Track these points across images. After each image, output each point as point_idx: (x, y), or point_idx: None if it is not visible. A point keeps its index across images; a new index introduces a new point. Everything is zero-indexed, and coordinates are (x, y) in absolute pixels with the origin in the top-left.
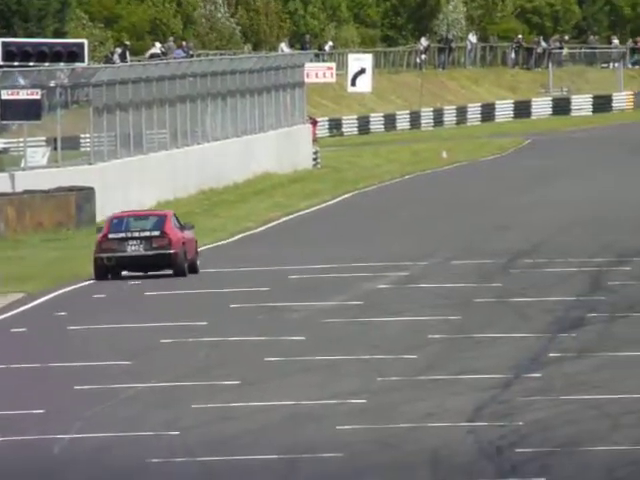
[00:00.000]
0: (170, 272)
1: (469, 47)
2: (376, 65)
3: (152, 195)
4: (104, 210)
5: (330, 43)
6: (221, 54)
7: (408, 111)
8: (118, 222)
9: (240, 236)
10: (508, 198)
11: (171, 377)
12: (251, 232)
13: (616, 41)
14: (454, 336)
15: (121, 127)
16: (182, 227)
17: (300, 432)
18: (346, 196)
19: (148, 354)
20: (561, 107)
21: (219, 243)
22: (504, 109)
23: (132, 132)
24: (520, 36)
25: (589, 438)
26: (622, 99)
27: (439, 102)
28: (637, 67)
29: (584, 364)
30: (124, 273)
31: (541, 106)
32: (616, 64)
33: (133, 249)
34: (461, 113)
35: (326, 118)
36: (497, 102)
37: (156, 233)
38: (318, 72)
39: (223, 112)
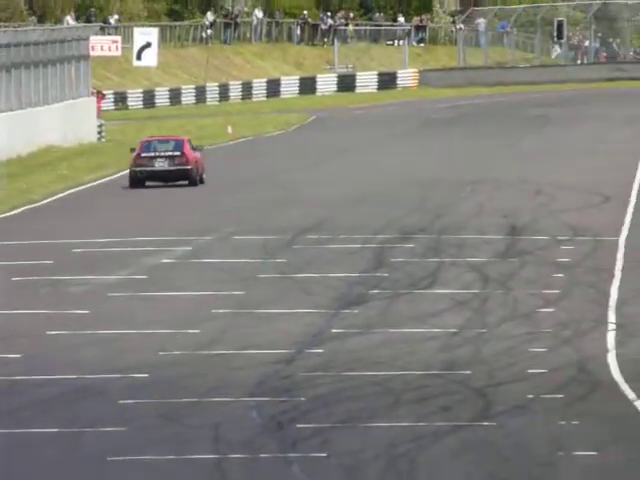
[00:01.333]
0: (186, 182)
1: (255, 22)
2: (162, 39)
3: None
4: None
5: (116, 16)
6: (5, 26)
7: (194, 86)
8: (148, 145)
9: (23, 209)
10: (292, 174)
11: None
12: (34, 205)
13: (401, 19)
14: (237, 311)
15: None
16: (194, 149)
17: (83, 406)
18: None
19: None
20: (346, 84)
21: (1, 216)
22: (289, 85)
23: None
24: (306, 12)
25: (371, 414)
26: (407, 76)
27: (225, 77)
28: (422, 45)
29: (366, 340)
30: (148, 184)
31: (326, 82)
32: (401, 42)
33: (160, 165)
34: (247, 88)
35: (111, 92)
36: (282, 78)
37: (177, 153)
38: (103, 45)
39: (7, 84)
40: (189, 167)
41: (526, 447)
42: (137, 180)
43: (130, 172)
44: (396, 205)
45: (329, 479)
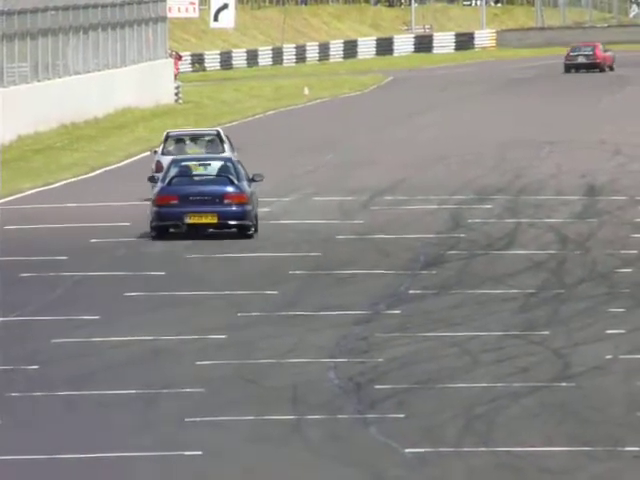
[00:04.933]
0: None
1: None
2: (239, 1)
3: (13, 129)
4: None
5: None
6: None
7: (270, 47)
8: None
9: (100, 171)
10: (369, 135)
11: (30, 311)
12: (112, 167)
13: None
14: (315, 272)
15: None
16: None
17: (160, 367)
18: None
19: (7, 288)
20: (423, 45)
21: (80, 177)
22: (366, 46)
23: None
24: None
25: (448, 375)
26: (485, 37)
27: (302, 39)
28: (499, 5)
29: (444, 301)
30: None
31: (403, 43)
32: (478, 2)
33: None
34: (323, 50)
35: (188, 53)
36: (359, 39)
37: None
38: (180, 7)
39: (85, 46)
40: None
41: (605, 408)
42: None
43: None
44: (474, 166)
45: (407, 440)
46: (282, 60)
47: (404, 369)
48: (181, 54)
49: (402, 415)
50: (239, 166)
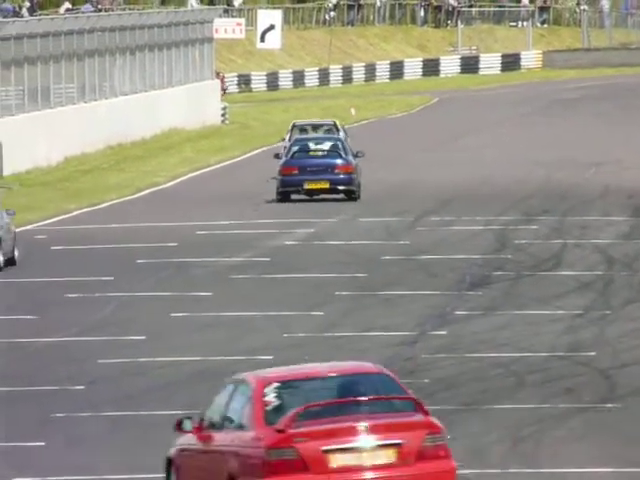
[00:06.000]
0: None
1: (378, 4)
2: (285, 21)
3: (60, 150)
4: (12, 164)
5: None
6: (130, 9)
7: (317, 68)
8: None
9: (147, 192)
10: (415, 156)
11: (77, 331)
12: (159, 187)
13: (525, 0)
14: (360, 293)
15: (29, 81)
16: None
17: (206, 388)
18: (255, 152)
19: (53, 308)
20: (470, 65)
21: (126, 198)
22: (413, 67)
23: (40, 86)
24: None
25: (494, 396)
26: (531, 58)
27: (348, 59)
28: (546, 26)
29: (490, 322)
30: None
31: (450, 64)
32: (525, 23)
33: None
34: (370, 71)
35: (235, 74)
36: (406, 60)
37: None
38: (227, 28)
39: (131, 67)
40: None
41: None
42: None
43: None
44: (519, 186)
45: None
46: (328, 81)
47: (450, 390)
48: (223, 74)
49: (448, 436)
50: (346, 144)
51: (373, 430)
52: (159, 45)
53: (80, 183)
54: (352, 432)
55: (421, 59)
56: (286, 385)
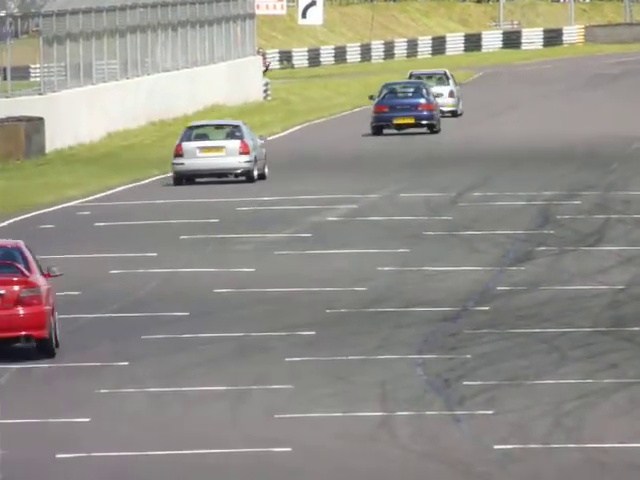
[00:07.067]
0: None
1: None
2: None
3: (102, 125)
4: (54, 141)
5: None
6: None
7: (359, 44)
8: None
9: None
10: (457, 131)
11: (120, 308)
12: None
13: None
14: (403, 269)
15: (71, 57)
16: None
17: (249, 364)
18: (296, 128)
19: (97, 284)
20: (512, 40)
21: (168, 174)
22: (455, 42)
23: (82, 62)
24: None
25: (537, 371)
26: (573, 33)
27: (390, 35)
28: (587, 1)
29: (533, 297)
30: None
31: (492, 39)
32: None
33: None
34: (412, 46)
35: (276, 50)
36: (448, 35)
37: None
38: (268, 4)
39: (173, 43)
40: None
41: None
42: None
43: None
44: (562, 161)
45: (496, 437)
46: (370, 57)
47: (493, 365)
48: (265, 51)
49: (491, 412)
50: (429, 87)
51: None
52: (200, 21)
53: (123, 159)
54: None
55: (463, 34)
56: None
